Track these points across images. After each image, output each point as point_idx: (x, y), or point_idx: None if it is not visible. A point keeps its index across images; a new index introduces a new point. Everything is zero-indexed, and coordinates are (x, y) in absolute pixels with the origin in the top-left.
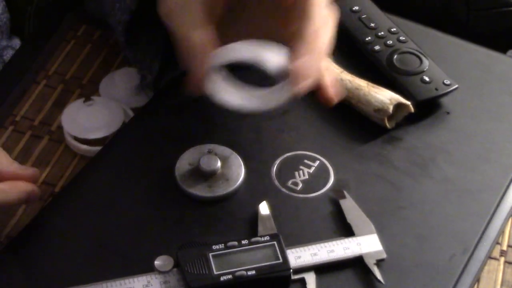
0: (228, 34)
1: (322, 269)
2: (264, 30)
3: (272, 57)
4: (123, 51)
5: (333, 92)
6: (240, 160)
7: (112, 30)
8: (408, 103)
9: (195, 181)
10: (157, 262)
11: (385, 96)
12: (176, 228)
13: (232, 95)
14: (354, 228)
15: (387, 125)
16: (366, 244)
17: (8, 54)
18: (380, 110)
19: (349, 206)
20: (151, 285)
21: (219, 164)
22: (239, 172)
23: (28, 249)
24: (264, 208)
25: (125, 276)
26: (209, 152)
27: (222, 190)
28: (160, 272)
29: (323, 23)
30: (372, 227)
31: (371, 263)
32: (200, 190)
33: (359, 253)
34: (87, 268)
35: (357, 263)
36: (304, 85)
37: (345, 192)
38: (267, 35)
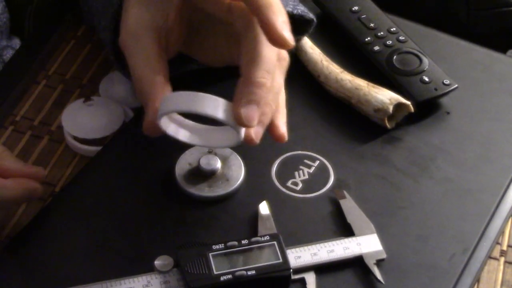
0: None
1: (322, 269)
2: (219, 54)
3: (216, 107)
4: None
5: (283, 131)
6: (240, 160)
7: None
8: (408, 103)
9: (195, 181)
10: (157, 262)
11: (385, 96)
12: (176, 228)
13: (183, 135)
14: (354, 228)
15: (387, 125)
16: (366, 244)
17: (8, 54)
18: (380, 110)
19: (349, 206)
20: (151, 285)
21: (219, 164)
22: (239, 172)
23: (28, 249)
24: (264, 208)
25: (125, 276)
26: (209, 152)
27: (222, 190)
28: (160, 272)
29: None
30: (372, 227)
31: (371, 263)
32: (200, 190)
33: (359, 253)
34: (87, 268)
35: (357, 263)
36: (253, 133)
37: (345, 192)
38: (222, 57)
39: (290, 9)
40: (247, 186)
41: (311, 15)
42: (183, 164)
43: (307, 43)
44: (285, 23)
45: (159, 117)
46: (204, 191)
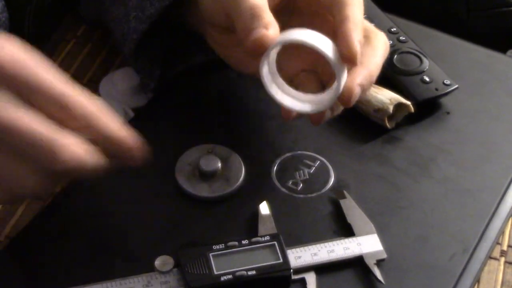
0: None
1: (322, 269)
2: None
3: (331, 49)
4: (128, 59)
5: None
6: (240, 160)
7: (113, 35)
8: (408, 103)
9: (195, 181)
10: (157, 262)
11: (385, 96)
12: (176, 228)
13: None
14: (354, 228)
15: (387, 125)
16: (366, 244)
17: None
18: (380, 110)
19: (349, 206)
20: (151, 285)
21: (219, 164)
22: (239, 172)
23: (28, 249)
24: (264, 208)
25: (125, 276)
26: (209, 152)
27: (222, 190)
28: (160, 272)
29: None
30: (372, 227)
31: (371, 263)
32: (200, 191)
33: (359, 253)
34: (87, 268)
35: (357, 263)
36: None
37: (345, 192)
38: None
39: None
40: (247, 186)
41: None
42: (183, 164)
43: None
44: (360, 43)
45: (274, 46)
46: (204, 191)
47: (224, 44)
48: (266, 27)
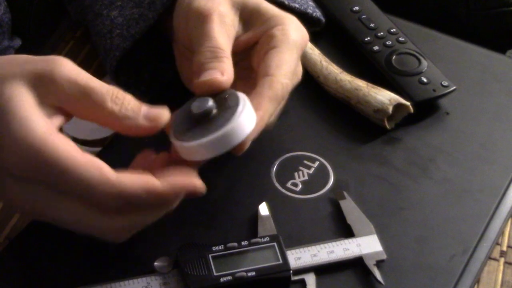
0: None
1: (322, 270)
2: None
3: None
4: (109, 74)
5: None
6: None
7: (97, 49)
8: (408, 103)
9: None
10: (156, 264)
11: (384, 97)
12: (176, 229)
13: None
14: (354, 229)
15: (387, 125)
16: (366, 245)
17: (10, 54)
18: (380, 110)
19: (349, 207)
20: (151, 287)
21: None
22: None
23: (28, 249)
24: (263, 209)
25: (125, 277)
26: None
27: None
28: (159, 274)
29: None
30: (372, 227)
31: (371, 264)
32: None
33: (359, 254)
34: (86, 270)
35: (357, 264)
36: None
37: (345, 193)
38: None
39: (310, 11)
40: (247, 187)
41: (323, 20)
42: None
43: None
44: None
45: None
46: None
47: (184, 56)
48: (222, 73)
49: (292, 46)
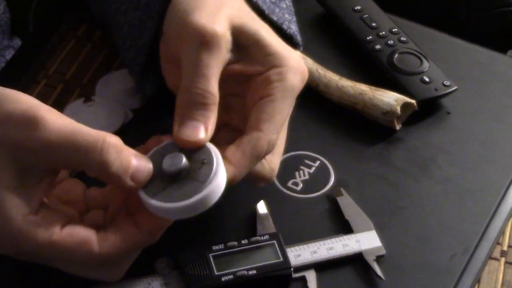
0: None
1: (322, 267)
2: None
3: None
4: (137, 86)
5: None
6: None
7: (121, 56)
8: (413, 101)
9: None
10: (157, 264)
11: (391, 98)
12: (176, 229)
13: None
14: (353, 225)
15: (396, 126)
16: (365, 240)
17: (10, 54)
18: (389, 112)
19: (347, 203)
20: None
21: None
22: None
23: None
24: (262, 207)
25: (126, 279)
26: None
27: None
28: (160, 274)
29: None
30: (371, 223)
31: (370, 259)
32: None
33: (358, 250)
34: None
35: (357, 260)
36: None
37: (342, 190)
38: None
39: (285, 27)
40: (248, 186)
41: (298, 38)
42: None
43: (297, 53)
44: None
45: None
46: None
47: (169, 60)
48: (206, 128)
49: (289, 93)
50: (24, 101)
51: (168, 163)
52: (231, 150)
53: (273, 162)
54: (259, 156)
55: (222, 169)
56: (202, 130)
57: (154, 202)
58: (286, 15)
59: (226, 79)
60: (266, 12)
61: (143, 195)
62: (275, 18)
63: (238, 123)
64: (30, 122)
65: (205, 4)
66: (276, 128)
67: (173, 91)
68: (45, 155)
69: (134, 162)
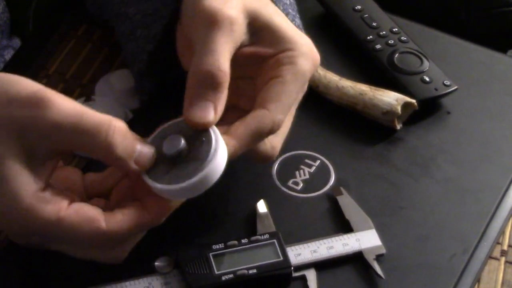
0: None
1: (322, 266)
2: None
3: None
4: (135, 78)
5: None
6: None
7: (122, 50)
8: (413, 101)
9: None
10: (157, 264)
11: (391, 98)
12: (176, 228)
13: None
14: (353, 224)
15: (397, 126)
16: (365, 239)
17: (9, 54)
18: (389, 112)
19: (347, 202)
20: (152, 287)
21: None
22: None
23: (28, 249)
24: (262, 207)
25: (126, 278)
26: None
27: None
28: (160, 274)
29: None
30: (370, 222)
31: (370, 258)
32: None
33: (358, 249)
34: (87, 271)
35: (357, 259)
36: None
37: (342, 189)
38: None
39: (290, 19)
40: (248, 186)
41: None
42: None
43: None
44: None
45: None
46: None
47: (185, 43)
48: (215, 109)
49: (299, 76)
50: (30, 85)
51: (167, 146)
52: (235, 124)
53: (274, 141)
54: (262, 133)
55: (222, 145)
56: (211, 111)
57: (159, 186)
58: (290, 10)
59: (238, 62)
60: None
61: (148, 180)
62: (281, 8)
63: (246, 105)
64: (39, 103)
65: None
66: (282, 109)
67: (179, 56)
68: (53, 135)
69: (138, 146)
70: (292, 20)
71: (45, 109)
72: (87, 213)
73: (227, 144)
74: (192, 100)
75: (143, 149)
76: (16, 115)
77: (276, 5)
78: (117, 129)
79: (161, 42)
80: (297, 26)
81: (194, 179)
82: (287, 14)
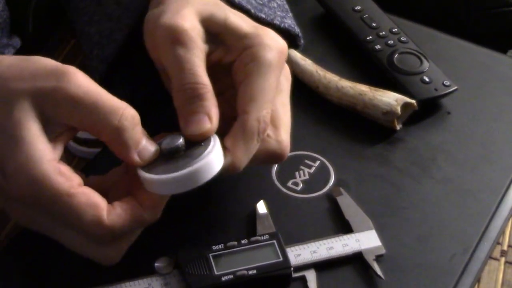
0: None
1: (322, 266)
2: None
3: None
4: None
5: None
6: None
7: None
8: (413, 101)
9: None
10: (157, 264)
11: (391, 98)
12: (176, 229)
13: None
14: (352, 225)
15: (396, 126)
16: (365, 240)
17: (9, 53)
18: (389, 112)
19: (347, 203)
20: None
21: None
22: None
23: (28, 249)
24: (261, 207)
25: (125, 279)
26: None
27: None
28: (160, 274)
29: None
30: (370, 223)
31: (370, 258)
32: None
33: (358, 249)
34: (87, 272)
35: (356, 259)
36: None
37: (342, 189)
38: None
39: (277, 22)
40: (248, 186)
41: (296, 30)
42: None
43: (297, 54)
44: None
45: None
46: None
47: (160, 69)
48: (209, 117)
49: (265, 69)
50: (52, 61)
51: (166, 142)
52: (226, 138)
53: (279, 135)
54: (252, 136)
55: (218, 150)
56: (207, 120)
57: (147, 176)
58: (278, 13)
59: (216, 73)
60: (252, 11)
61: (140, 171)
62: (263, 16)
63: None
64: (62, 75)
65: (169, 7)
66: (261, 106)
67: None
68: (69, 109)
69: (144, 140)
70: (281, 22)
71: (67, 82)
72: (95, 198)
73: (224, 157)
74: (186, 118)
75: (148, 144)
76: (38, 85)
77: (260, 8)
78: (130, 116)
79: (113, 64)
80: (288, 27)
81: (181, 172)
82: (273, 18)
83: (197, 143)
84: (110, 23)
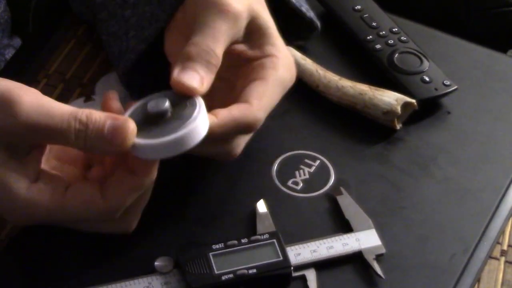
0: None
1: (322, 266)
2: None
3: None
4: (120, 76)
5: None
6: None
7: (109, 49)
8: (413, 100)
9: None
10: (157, 263)
11: (391, 98)
12: (176, 228)
13: None
14: (352, 224)
15: (396, 126)
16: (365, 239)
17: (10, 53)
18: (389, 112)
19: (347, 202)
20: (152, 287)
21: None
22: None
23: (28, 249)
24: (261, 207)
25: (125, 278)
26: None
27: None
28: (160, 273)
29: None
30: (370, 222)
31: (370, 258)
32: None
33: (358, 249)
34: (86, 271)
35: (356, 259)
36: None
37: (342, 189)
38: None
39: (304, 10)
40: (248, 186)
41: (317, 23)
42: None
43: (297, 54)
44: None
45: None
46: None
47: (178, 29)
48: (202, 82)
49: (279, 82)
50: None
51: (152, 106)
52: (219, 109)
53: (241, 139)
54: (242, 123)
55: (204, 113)
56: (199, 81)
57: (136, 141)
58: (302, 3)
59: (224, 59)
60: None
61: None
62: (293, 1)
63: (219, 107)
64: (9, 105)
65: None
66: (264, 108)
67: (167, 55)
68: (26, 136)
69: (109, 122)
70: (307, 11)
71: (16, 113)
72: (84, 196)
73: (209, 117)
74: (183, 68)
75: (115, 128)
76: None
77: None
78: (81, 119)
79: (152, 45)
80: (312, 17)
81: (172, 136)
82: (301, 5)
83: (182, 104)
84: (150, 6)
